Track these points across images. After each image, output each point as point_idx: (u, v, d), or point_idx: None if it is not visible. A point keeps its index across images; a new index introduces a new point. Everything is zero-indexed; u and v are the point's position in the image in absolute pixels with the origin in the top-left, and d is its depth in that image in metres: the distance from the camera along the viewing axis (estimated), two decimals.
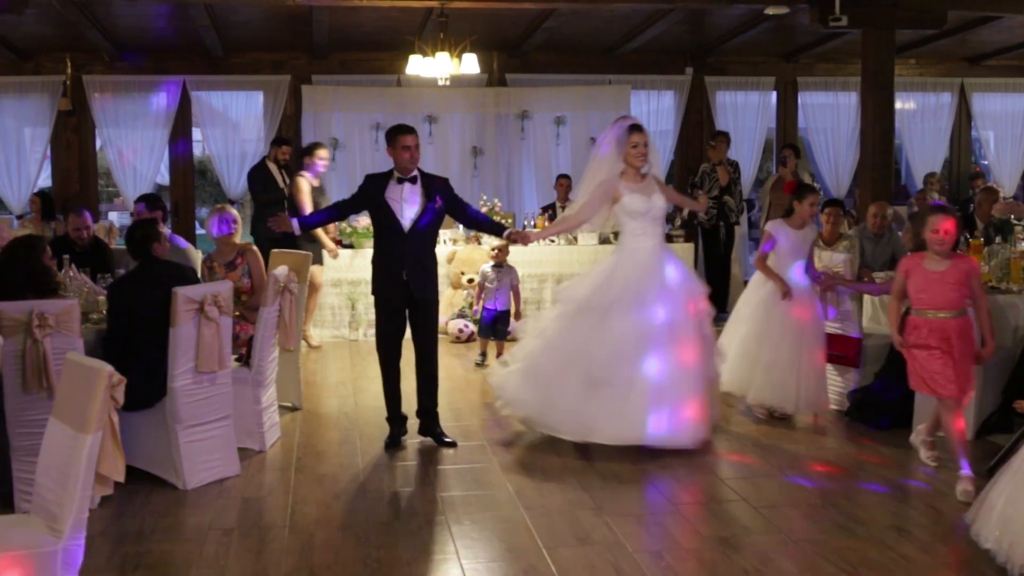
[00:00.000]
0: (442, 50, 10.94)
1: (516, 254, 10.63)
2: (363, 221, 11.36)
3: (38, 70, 13.75)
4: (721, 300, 11.09)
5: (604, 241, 11.53)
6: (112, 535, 5.55)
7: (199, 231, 14.48)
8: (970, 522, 5.20)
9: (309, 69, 14.14)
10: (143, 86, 13.98)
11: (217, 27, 12.28)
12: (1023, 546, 4.76)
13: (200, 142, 15.01)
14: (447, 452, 7.13)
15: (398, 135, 7.14)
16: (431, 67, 11.13)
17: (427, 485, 6.45)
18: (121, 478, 4.27)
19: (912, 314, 6.36)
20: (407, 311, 7.25)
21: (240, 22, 12.32)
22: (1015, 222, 10.68)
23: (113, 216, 17.43)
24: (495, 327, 9.81)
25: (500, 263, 9.93)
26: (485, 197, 12.44)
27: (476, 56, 11.22)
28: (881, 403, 7.56)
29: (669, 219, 10.98)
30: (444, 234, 11.22)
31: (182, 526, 5.76)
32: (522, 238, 7.63)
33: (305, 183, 10.51)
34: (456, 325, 11.05)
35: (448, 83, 11.53)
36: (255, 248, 7.96)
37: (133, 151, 13.96)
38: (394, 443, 7.22)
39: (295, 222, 7.46)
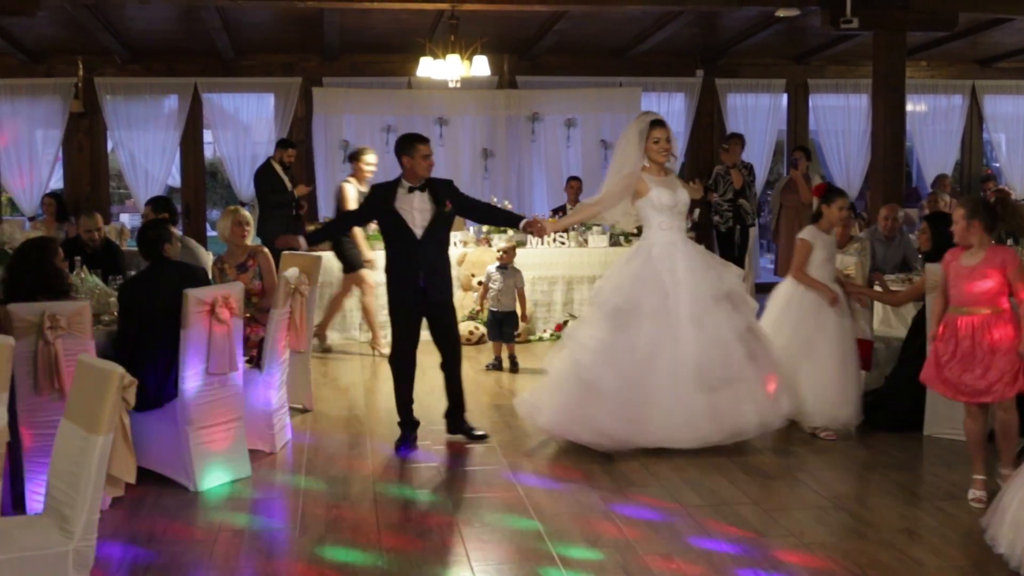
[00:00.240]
0: (453, 52, 10.94)
1: (525, 256, 10.63)
2: (373, 224, 11.36)
3: (50, 72, 13.78)
4: None
5: (615, 243, 11.52)
6: (123, 536, 5.57)
7: (210, 233, 14.51)
8: (985, 526, 5.18)
9: (320, 71, 14.15)
10: (154, 88, 14.02)
11: (228, 29, 12.30)
12: None
13: (211, 144, 15.04)
14: (456, 454, 7.13)
15: (417, 144, 7.12)
16: (442, 69, 11.13)
17: (437, 487, 6.46)
18: (132, 479, 4.29)
19: (948, 311, 6.09)
20: (424, 318, 7.26)
21: (251, 24, 12.35)
22: None
23: (124, 218, 17.47)
24: (502, 329, 9.81)
25: (505, 265, 9.92)
26: (496, 199, 12.45)
27: (487, 58, 11.22)
28: (892, 406, 7.54)
29: None
30: (454, 236, 11.20)
31: (193, 527, 5.77)
32: (538, 229, 7.54)
33: (352, 190, 10.24)
34: (466, 327, 11.05)
35: (459, 85, 11.54)
36: (266, 250, 7.96)
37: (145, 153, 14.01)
38: (405, 446, 7.23)
39: (301, 239, 7.48)
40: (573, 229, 11.37)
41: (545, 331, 11.38)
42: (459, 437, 7.40)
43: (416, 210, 7.09)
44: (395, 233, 7.16)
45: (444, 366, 7.36)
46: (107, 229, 9.79)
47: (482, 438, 7.38)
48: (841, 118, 15.33)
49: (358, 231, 10.02)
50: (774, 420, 7.09)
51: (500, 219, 7.86)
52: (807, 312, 7.44)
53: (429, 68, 11.25)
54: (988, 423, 6.08)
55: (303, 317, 7.61)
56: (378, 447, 7.28)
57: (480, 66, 11.16)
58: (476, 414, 8.13)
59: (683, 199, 7.32)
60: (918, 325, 7.56)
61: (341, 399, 8.73)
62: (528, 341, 10.76)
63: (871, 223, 10.55)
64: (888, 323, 8.30)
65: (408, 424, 7.31)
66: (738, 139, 12.89)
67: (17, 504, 5.83)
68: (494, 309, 9.81)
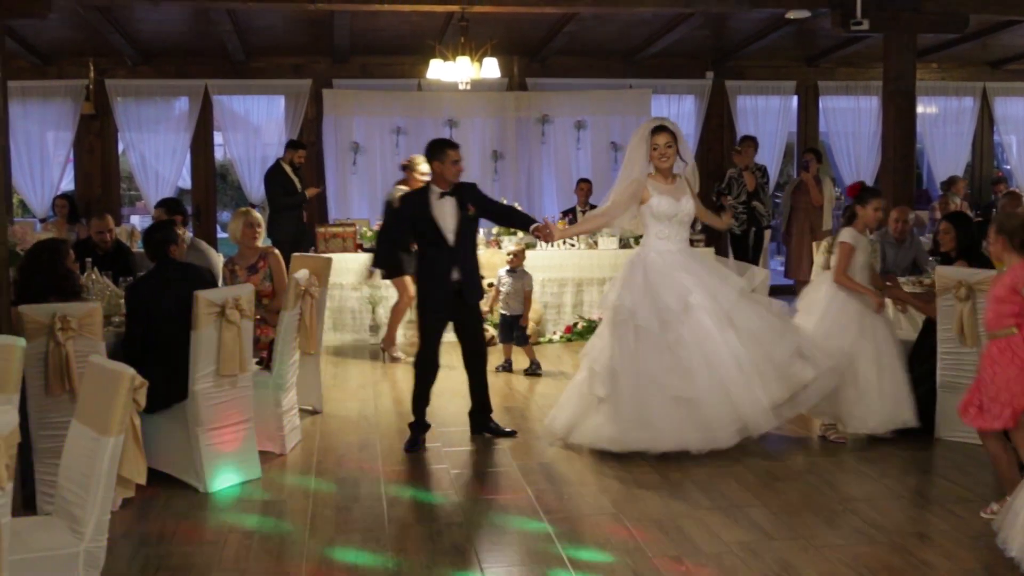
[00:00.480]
0: (463, 54, 10.95)
1: (535, 258, 10.63)
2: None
3: (61, 74, 13.82)
4: None
5: (624, 245, 11.51)
6: (134, 537, 5.58)
7: (220, 235, 14.53)
8: (997, 530, 5.16)
9: (330, 73, 14.17)
10: (165, 90, 14.05)
11: (239, 31, 12.33)
12: None
13: (221, 146, 15.07)
14: (466, 456, 7.14)
15: (447, 149, 7.21)
16: (452, 71, 11.14)
17: (447, 489, 6.46)
18: (143, 481, 4.30)
19: None
20: (451, 322, 7.35)
21: (261, 27, 12.37)
22: None
23: (135, 220, 17.50)
24: (512, 332, 9.81)
25: (514, 268, 9.92)
26: (505, 201, 12.42)
27: (497, 60, 11.22)
28: None
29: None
30: None
31: (203, 529, 5.78)
32: (546, 234, 7.52)
33: None
34: None
35: (469, 87, 11.54)
36: (277, 252, 7.98)
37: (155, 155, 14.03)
38: (415, 447, 7.24)
39: (375, 270, 7.58)
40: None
41: (555, 333, 11.38)
42: (466, 438, 7.42)
43: (447, 215, 7.18)
44: (429, 239, 7.24)
45: (470, 367, 7.46)
46: (117, 231, 9.81)
47: (511, 434, 7.50)
48: (851, 120, 15.31)
49: None
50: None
51: (516, 222, 7.90)
52: (851, 317, 7.27)
53: (439, 70, 11.25)
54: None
55: (313, 319, 7.62)
56: (388, 449, 7.28)
57: (490, 68, 11.16)
58: None
59: (686, 209, 7.24)
60: (928, 328, 7.54)
61: (351, 401, 8.74)
62: (538, 343, 10.75)
63: (881, 225, 10.52)
64: (898, 324, 8.27)
65: (422, 426, 7.34)
66: (751, 141, 12.87)
67: (28, 505, 5.85)
68: (504, 312, 9.82)
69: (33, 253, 6.51)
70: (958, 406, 5.81)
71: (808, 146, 14.54)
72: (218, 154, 15.26)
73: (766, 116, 15.07)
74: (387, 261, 8.08)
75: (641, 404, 6.86)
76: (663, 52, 13.94)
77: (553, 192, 14.57)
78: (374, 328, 11.18)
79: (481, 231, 11.39)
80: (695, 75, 14.91)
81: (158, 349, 6.31)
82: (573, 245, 11.57)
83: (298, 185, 11.84)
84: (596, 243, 11.62)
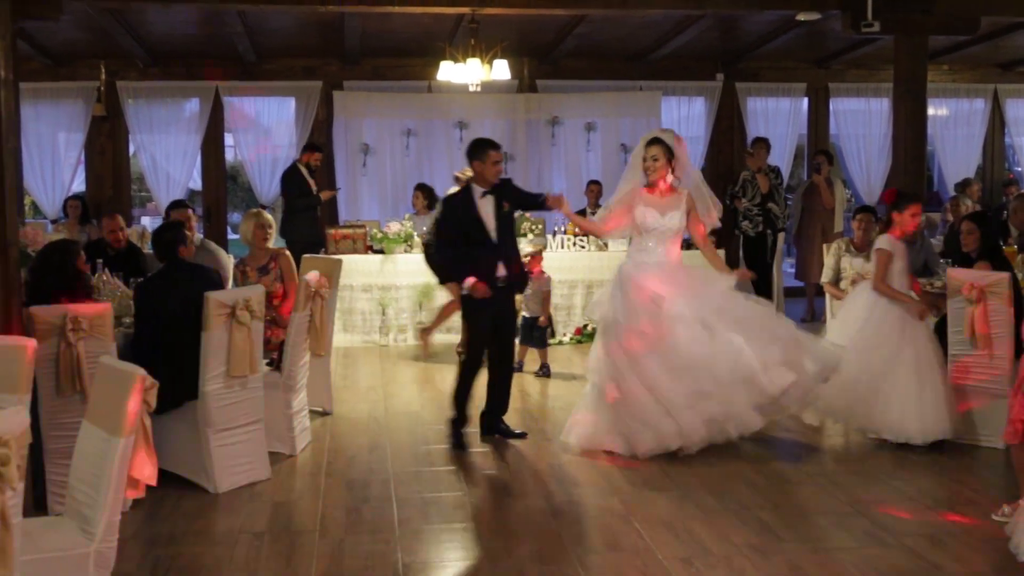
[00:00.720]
0: (473, 56, 10.95)
1: (545, 260, 10.62)
2: (393, 227, 11.39)
3: (72, 76, 13.84)
4: None
5: None
6: (144, 538, 5.59)
7: (231, 236, 14.55)
8: (1009, 534, 5.15)
9: (341, 75, 14.18)
10: (176, 92, 14.08)
11: (250, 33, 12.34)
12: None
13: (232, 148, 15.09)
14: (476, 458, 7.14)
15: (488, 150, 7.29)
16: (462, 73, 11.14)
17: (457, 490, 6.46)
18: (153, 481, 4.31)
19: None
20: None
21: (272, 29, 12.39)
22: None
23: (146, 220, 17.54)
24: (532, 334, 9.81)
25: (531, 270, 9.91)
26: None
27: (507, 62, 11.22)
28: None
29: None
30: None
31: (213, 530, 5.79)
32: (556, 202, 7.56)
33: None
34: None
35: (479, 89, 11.54)
36: (288, 253, 8.00)
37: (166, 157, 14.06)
38: (462, 444, 7.30)
39: (461, 285, 7.41)
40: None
41: (565, 335, 11.38)
42: (477, 439, 7.43)
43: (490, 214, 7.28)
44: (475, 238, 7.31)
45: (499, 367, 7.51)
46: (128, 232, 9.83)
47: (521, 436, 7.52)
48: (862, 122, 15.25)
49: None
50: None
51: (530, 204, 8.04)
52: (892, 325, 7.22)
53: (449, 72, 11.25)
54: None
55: (323, 320, 7.63)
56: (397, 450, 7.29)
57: (500, 70, 11.16)
58: None
59: (670, 224, 7.22)
60: (939, 331, 7.52)
61: (361, 402, 8.75)
62: (548, 345, 10.73)
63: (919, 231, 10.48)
64: None
65: (465, 420, 7.40)
66: (763, 143, 12.85)
67: (39, 505, 5.87)
68: (524, 314, 9.81)
69: (44, 254, 6.53)
70: (1003, 434, 5.67)
71: (819, 148, 14.50)
72: (229, 155, 15.27)
73: (776, 118, 15.02)
74: (448, 275, 8.15)
75: (642, 407, 6.92)
76: (673, 54, 13.92)
77: (563, 194, 14.51)
78: (384, 330, 11.19)
79: None
80: (705, 77, 14.88)
81: (166, 349, 6.32)
82: (583, 247, 11.57)
83: (313, 187, 11.91)
84: (607, 245, 11.61)
